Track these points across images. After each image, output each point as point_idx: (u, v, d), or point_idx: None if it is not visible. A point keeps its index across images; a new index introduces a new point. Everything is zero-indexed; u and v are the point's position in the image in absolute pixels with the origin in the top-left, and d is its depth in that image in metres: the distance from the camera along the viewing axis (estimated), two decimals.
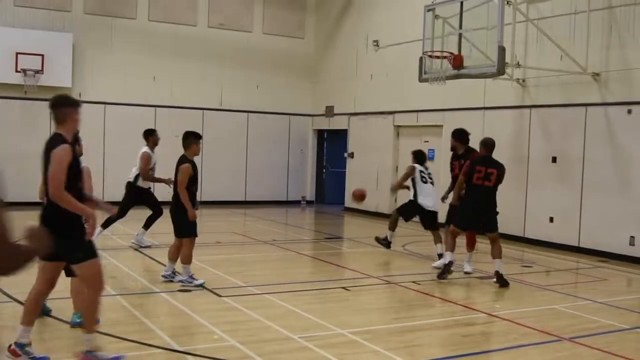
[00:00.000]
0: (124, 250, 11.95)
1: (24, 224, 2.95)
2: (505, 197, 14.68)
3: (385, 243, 12.23)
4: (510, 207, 14.59)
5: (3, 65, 17.43)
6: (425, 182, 11.68)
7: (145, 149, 11.96)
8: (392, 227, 12.21)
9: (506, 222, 14.61)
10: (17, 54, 17.47)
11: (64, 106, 5.99)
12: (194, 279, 9.00)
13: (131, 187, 12.19)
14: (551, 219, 13.80)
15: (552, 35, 13.44)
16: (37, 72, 17.62)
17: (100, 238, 13.20)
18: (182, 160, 9.03)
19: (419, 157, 11.90)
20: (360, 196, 12.47)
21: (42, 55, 17.71)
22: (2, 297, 7.98)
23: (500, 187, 15.07)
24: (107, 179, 18.62)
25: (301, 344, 6.58)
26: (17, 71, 17.50)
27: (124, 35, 19.28)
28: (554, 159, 13.76)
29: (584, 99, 13.20)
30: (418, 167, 11.74)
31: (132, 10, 19.41)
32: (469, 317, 7.95)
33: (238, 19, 20.92)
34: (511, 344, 6.94)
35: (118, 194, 18.38)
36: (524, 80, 14.39)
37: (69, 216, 5.70)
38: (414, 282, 9.71)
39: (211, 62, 20.44)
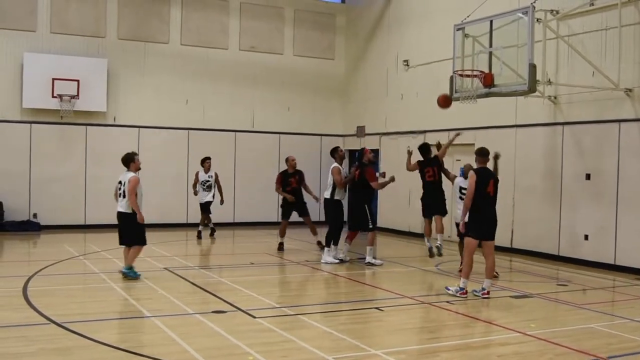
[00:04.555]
0: (158, 272, 12.07)
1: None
2: (539, 214, 14.63)
3: None
4: (545, 224, 14.49)
5: (40, 91, 17.80)
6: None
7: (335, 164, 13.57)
8: None
9: (540, 240, 14.55)
10: (53, 79, 17.84)
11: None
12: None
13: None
14: (586, 237, 13.65)
15: (584, 52, 13.38)
16: (73, 97, 17.97)
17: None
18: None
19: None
20: (444, 101, 13.59)
21: (78, 81, 18.06)
22: (41, 319, 8.13)
23: (533, 205, 15.02)
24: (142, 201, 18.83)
25: None
26: (53, 97, 17.86)
27: (157, 59, 19.59)
28: (588, 176, 13.63)
29: (617, 115, 13.09)
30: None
31: (165, 35, 19.72)
32: (503, 336, 7.88)
33: (269, 41, 21.14)
34: None
35: (150, 216, 18.68)
36: (555, 98, 14.31)
37: None
38: (447, 302, 9.67)
39: (243, 85, 20.66)
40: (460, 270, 11.69)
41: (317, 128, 21.81)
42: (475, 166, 10.57)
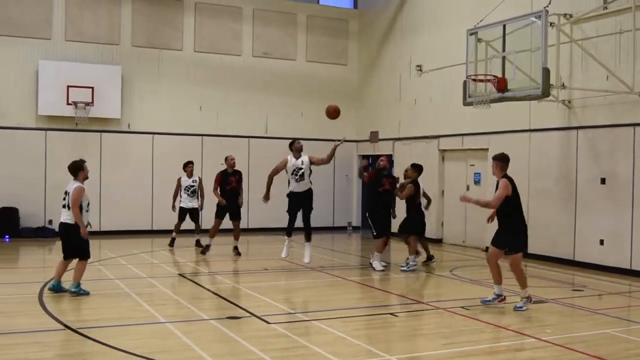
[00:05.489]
0: (172, 277, 12.11)
1: None
2: (554, 219, 14.55)
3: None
4: (560, 229, 14.41)
5: (55, 98, 17.94)
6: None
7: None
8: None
9: (555, 245, 14.47)
10: (68, 87, 17.97)
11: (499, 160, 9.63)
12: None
13: None
14: (601, 242, 13.56)
15: (597, 56, 13.32)
16: (87, 104, 18.09)
17: (149, 266, 13.44)
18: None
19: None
20: (333, 112, 13.04)
21: (92, 88, 18.18)
22: (56, 325, 8.17)
23: (548, 209, 14.94)
24: (156, 207, 18.92)
25: None
26: (68, 104, 18.00)
27: (171, 66, 19.69)
28: (603, 180, 13.55)
29: (631, 119, 13.02)
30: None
31: (178, 41, 19.82)
32: (519, 342, 7.85)
33: (282, 47, 21.20)
34: None
35: (167, 222, 18.73)
36: (569, 102, 14.25)
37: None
38: (462, 307, 9.63)
39: (256, 91, 20.72)
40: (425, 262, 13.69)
41: (330, 134, 21.69)
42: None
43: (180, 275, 12.32)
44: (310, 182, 13.48)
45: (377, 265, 13.14)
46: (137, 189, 19.10)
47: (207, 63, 20.12)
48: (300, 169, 13.27)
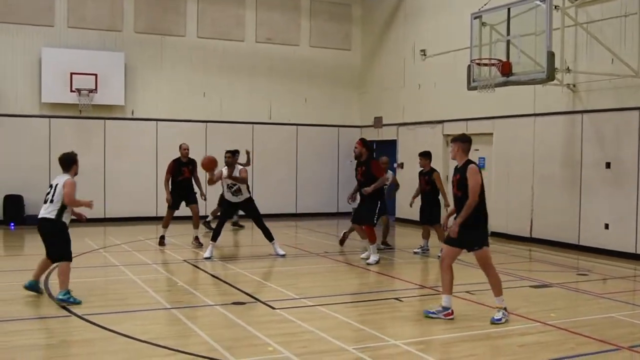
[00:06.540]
0: (178, 264, 12.14)
1: None
2: (559, 203, 14.54)
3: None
4: (564, 214, 14.39)
5: (58, 85, 17.91)
6: None
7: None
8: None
9: (560, 229, 14.46)
10: (71, 74, 17.94)
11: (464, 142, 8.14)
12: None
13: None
14: (606, 226, 13.54)
15: (603, 39, 13.25)
16: (91, 91, 18.06)
17: (154, 253, 13.46)
18: None
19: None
20: (208, 164, 12.18)
21: (96, 75, 18.15)
22: (62, 312, 8.20)
23: (553, 194, 14.89)
24: (160, 193, 18.92)
25: (355, 355, 6.59)
26: (71, 91, 17.97)
27: (174, 52, 19.64)
28: (608, 165, 13.51)
29: (636, 103, 12.96)
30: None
31: (181, 27, 19.76)
32: (524, 326, 7.85)
33: (285, 32, 21.12)
34: (568, 353, 6.84)
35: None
36: (574, 85, 14.19)
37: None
38: (467, 292, 9.64)
39: (259, 77, 20.67)
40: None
41: (334, 119, 21.79)
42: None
43: (185, 261, 12.34)
44: (249, 192, 12.98)
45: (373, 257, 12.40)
46: (141, 176, 19.12)
47: (210, 49, 20.06)
48: (235, 184, 12.66)
